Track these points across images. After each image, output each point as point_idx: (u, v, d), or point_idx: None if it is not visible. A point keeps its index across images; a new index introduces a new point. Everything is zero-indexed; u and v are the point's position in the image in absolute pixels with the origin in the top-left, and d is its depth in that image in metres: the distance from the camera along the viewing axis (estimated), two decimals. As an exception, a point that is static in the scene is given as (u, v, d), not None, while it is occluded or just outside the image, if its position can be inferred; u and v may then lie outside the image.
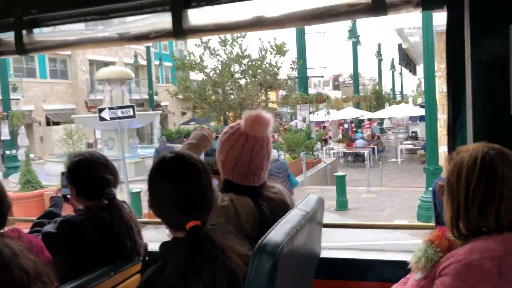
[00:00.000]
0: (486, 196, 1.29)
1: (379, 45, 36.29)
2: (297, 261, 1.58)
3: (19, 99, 23.93)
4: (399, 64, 22.19)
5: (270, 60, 17.09)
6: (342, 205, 11.44)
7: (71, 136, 17.95)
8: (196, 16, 1.90)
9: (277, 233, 1.36)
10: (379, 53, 36.44)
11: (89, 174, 1.92)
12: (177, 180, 1.33)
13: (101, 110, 12.01)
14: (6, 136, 19.36)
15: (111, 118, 11.76)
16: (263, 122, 1.73)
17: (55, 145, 22.67)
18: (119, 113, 11.90)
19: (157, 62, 33.76)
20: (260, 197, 1.71)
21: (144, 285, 1.31)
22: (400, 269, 1.77)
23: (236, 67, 16.68)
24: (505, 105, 1.70)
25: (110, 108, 12.09)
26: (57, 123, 23.85)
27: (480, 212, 1.30)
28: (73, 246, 1.81)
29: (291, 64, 17.34)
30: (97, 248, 1.84)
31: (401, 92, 49.68)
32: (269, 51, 16.92)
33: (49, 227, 1.85)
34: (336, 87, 65.19)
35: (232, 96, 16.35)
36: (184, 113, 34.17)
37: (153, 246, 2.06)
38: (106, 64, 32.13)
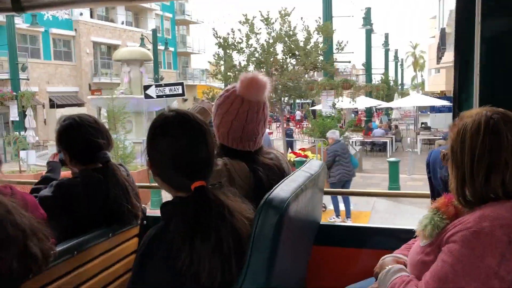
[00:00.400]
0: (491, 164, 1.26)
1: (386, 35, 35.72)
2: (299, 222, 1.57)
3: (28, 79, 23.31)
4: (442, 49, 21.12)
5: (317, 39, 16.04)
6: (396, 192, 11.04)
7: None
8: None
9: (283, 189, 1.36)
10: (386, 43, 35.86)
11: (80, 137, 1.88)
12: (183, 139, 1.28)
13: (146, 87, 11.36)
14: (15, 117, 18.75)
15: (158, 96, 11.11)
16: (259, 85, 1.67)
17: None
18: (166, 90, 11.34)
19: (163, 47, 32.81)
20: (256, 162, 1.68)
21: (146, 247, 1.25)
22: (398, 238, 1.78)
23: (279, 47, 15.71)
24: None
25: (157, 86, 11.44)
26: (61, 106, 23.11)
27: (486, 179, 1.27)
28: (69, 209, 1.79)
29: (336, 45, 16.40)
30: (94, 210, 1.83)
31: (402, 83, 49.24)
32: (315, 31, 15.88)
33: (45, 191, 1.83)
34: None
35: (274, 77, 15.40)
36: (185, 100, 33.65)
37: (151, 210, 2.05)
38: (109, 47, 31.85)
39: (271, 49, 14.70)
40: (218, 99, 1.74)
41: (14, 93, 18.66)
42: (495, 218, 1.21)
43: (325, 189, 1.95)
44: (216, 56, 15.21)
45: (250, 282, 1.20)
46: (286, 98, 15.67)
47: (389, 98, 31.13)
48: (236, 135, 1.68)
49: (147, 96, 11.19)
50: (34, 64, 26.64)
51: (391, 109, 32.78)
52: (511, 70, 1.69)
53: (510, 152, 1.25)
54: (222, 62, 15.08)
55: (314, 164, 1.81)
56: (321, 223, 1.99)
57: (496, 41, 1.71)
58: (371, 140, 19.46)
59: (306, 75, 15.75)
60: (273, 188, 1.36)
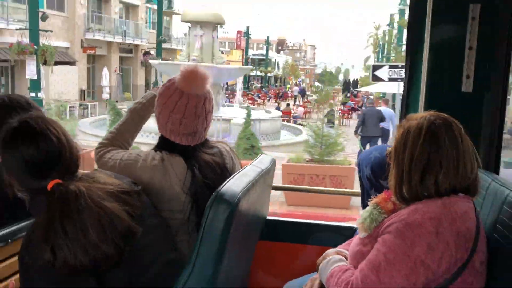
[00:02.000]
0: (427, 165, 1.36)
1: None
2: (248, 217, 1.58)
3: (51, 31, 18.55)
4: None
5: None
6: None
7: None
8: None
9: (234, 183, 1.37)
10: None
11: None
12: (16, 152, 1.29)
13: (376, 67, 9.36)
14: (32, 74, 15.34)
15: (390, 79, 9.12)
16: (198, 78, 1.62)
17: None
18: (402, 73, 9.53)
19: (149, 5, 29.54)
20: (194, 158, 1.63)
21: (20, 253, 1.26)
22: (343, 234, 1.83)
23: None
24: (458, 82, 1.77)
25: (391, 66, 9.31)
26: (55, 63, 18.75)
27: (421, 179, 1.37)
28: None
29: None
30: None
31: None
32: None
33: None
34: (278, 52, 65.62)
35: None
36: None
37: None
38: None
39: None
40: (160, 89, 1.68)
41: (35, 47, 15.43)
42: (426, 211, 1.31)
43: (273, 184, 1.95)
44: None
45: (197, 274, 1.21)
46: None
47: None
48: (174, 128, 1.62)
49: (376, 78, 9.24)
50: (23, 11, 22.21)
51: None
52: (457, 76, 1.78)
53: (446, 156, 1.35)
54: None
55: (265, 159, 1.80)
56: (267, 218, 1.98)
57: (443, 47, 1.79)
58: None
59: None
60: (225, 181, 1.36)
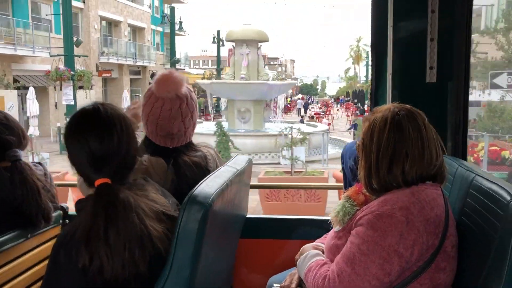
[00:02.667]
0: (393, 155, 1.40)
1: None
2: (225, 217, 1.61)
3: (86, 56, 19.47)
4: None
5: None
6: None
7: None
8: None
9: (207, 185, 1.38)
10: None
11: None
12: (80, 136, 1.27)
13: (495, 75, 10.15)
14: (69, 100, 15.23)
15: (509, 86, 10.07)
16: (170, 82, 1.68)
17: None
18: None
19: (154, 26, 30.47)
20: (175, 159, 1.69)
21: (55, 246, 1.23)
22: (322, 227, 1.87)
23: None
24: (422, 73, 1.83)
25: (510, 73, 10.26)
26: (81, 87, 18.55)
27: (389, 169, 1.40)
28: None
29: None
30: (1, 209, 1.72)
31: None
32: None
33: None
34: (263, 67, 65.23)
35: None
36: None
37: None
38: (110, 23, 28.59)
39: None
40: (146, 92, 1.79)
41: (72, 72, 15.57)
42: (395, 201, 1.35)
43: (251, 183, 2.00)
44: None
45: (174, 277, 1.22)
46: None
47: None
48: (152, 129, 1.73)
49: (494, 86, 10.23)
50: (44, 38, 22.47)
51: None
52: (421, 67, 1.83)
53: (411, 145, 1.39)
54: None
55: (241, 159, 1.85)
56: (247, 216, 2.04)
57: (406, 41, 1.85)
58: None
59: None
60: (198, 184, 1.38)
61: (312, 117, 26.62)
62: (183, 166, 1.69)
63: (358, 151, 1.51)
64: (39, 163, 1.93)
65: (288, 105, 39.59)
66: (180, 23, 28.93)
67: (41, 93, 20.05)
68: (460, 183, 1.53)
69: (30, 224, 1.78)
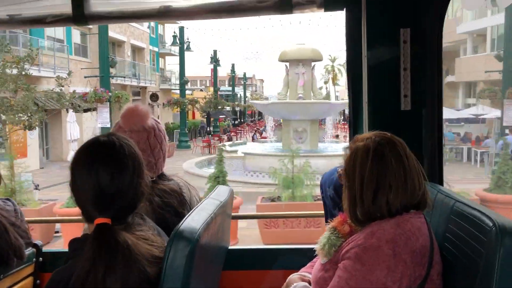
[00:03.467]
0: (377, 187, 1.40)
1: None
2: (210, 250, 1.58)
3: (124, 77, 18.72)
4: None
5: None
6: None
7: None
8: (100, 2, 1.80)
9: (193, 219, 1.36)
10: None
11: None
12: (91, 167, 1.21)
13: None
14: (105, 122, 14.51)
15: None
16: (135, 115, 1.71)
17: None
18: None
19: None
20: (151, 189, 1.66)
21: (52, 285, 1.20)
22: (305, 256, 1.86)
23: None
24: (397, 101, 1.88)
25: None
26: (87, 110, 17.38)
27: (373, 200, 1.41)
28: None
29: None
30: None
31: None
32: None
33: None
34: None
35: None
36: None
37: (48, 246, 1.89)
38: (113, 43, 27.30)
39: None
40: None
41: (110, 94, 14.93)
42: (381, 234, 1.35)
43: (233, 213, 1.98)
44: None
45: None
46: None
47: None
48: None
49: None
50: (63, 60, 21.88)
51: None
52: (395, 95, 1.88)
53: (394, 176, 1.40)
54: None
55: (223, 190, 1.83)
56: (229, 247, 2.00)
57: (381, 70, 1.90)
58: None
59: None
60: (183, 219, 1.36)
61: (337, 135, 26.30)
62: (158, 193, 1.67)
63: (341, 180, 1.52)
64: (8, 199, 1.84)
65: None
66: (188, 43, 28.69)
67: (55, 116, 19.33)
68: (440, 209, 1.57)
69: (2, 263, 1.68)
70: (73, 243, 1.26)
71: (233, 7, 1.84)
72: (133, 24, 29.89)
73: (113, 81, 25.78)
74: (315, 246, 1.55)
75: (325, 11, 1.94)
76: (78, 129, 15.84)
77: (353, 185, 1.43)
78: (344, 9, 1.94)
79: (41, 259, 1.92)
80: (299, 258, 1.94)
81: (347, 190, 1.46)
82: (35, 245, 1.89)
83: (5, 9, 1.85)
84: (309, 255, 1.83)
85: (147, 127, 1.72)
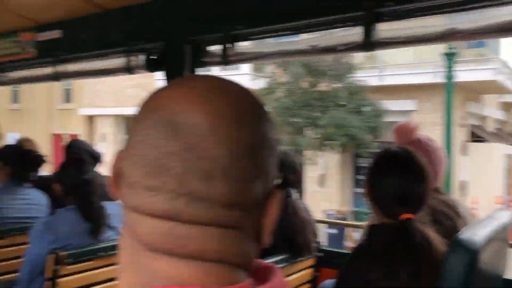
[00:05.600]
0: None
1: None
2: (486, 273, 1.52)
3: None
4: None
5: None
6: None
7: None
8: (386, 29, 1.98)
9: (474, 233, 1.35)
10: None
11: None
12: (400, 175, 1.44)
13: None
14: None
15: None
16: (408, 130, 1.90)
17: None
18: None
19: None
20: None
21: (352, 257, 1.43)
22: None
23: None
24: None
25: None
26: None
27: None
28: None
29: None
30: (277, 238, 2.04)
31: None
32: None
33: None
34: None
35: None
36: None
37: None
38: None
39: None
40: None
41: None
42: None
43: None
44: None
45: None
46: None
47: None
48: None
49: None
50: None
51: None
52: None
53: None
54: None
55: (505, 214, 1.73)
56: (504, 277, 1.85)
57: None
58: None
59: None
60: (467, 228, 1.38)
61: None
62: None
63: None
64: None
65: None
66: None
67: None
68: None
69: (296, 254, 2.02)
70: (374, 226, 1.48)
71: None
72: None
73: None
74: None
75: None
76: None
77: None
78: None
79: (322, 254, 2.20)
80: None
81: None
82: (317, 242, 2.19)
83: (306, 42, 2.25)
84: None
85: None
